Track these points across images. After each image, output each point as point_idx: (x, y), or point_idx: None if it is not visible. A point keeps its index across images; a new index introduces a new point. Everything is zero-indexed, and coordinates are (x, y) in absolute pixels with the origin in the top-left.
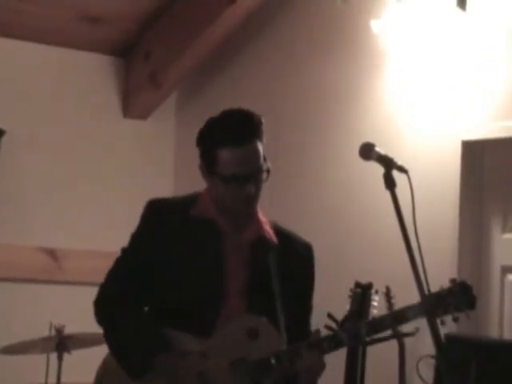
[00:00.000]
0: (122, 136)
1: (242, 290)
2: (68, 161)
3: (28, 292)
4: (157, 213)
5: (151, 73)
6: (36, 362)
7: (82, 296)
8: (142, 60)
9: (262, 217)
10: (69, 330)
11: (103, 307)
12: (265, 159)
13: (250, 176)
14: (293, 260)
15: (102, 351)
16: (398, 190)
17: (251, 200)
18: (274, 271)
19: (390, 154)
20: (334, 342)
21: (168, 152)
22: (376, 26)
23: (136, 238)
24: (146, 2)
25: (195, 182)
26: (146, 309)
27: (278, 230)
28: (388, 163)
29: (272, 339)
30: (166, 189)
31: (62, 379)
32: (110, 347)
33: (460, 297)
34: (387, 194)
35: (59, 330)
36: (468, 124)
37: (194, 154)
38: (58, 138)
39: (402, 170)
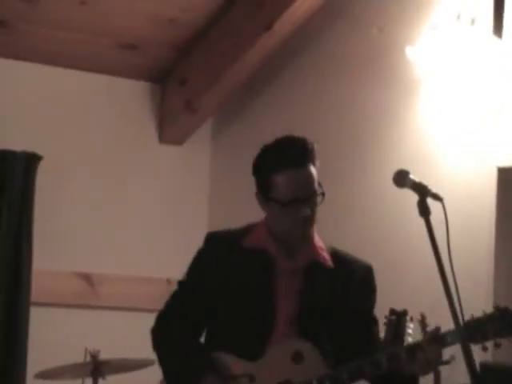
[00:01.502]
0: (157, 161)
1: (293, 317)
2: (104, 186)
3: (63, 317)
4: (212, 245)
5: (187, 99)
6: None
7: (116, 321)
8: (177, 86)
9: (318, 242)
10: (104, 355)
11: (159, 335)
12: (319, 183)
13: (306, 199)
14: (350, 283)
15: (136, 377)
16: (433, 218)
17: (308, 223)
18: (327, 298)
19: (425, 182)
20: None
21: (203, 177)
22: (411, 52)
23: (193, 269)
24: (182, 28)
25: (231, 207)
26: (201, 336)
27: (335, 254)
28: (422, 190)
29: (316, 363)
30: (200, 214)
31: None
32: (163, 372)
33: (501, 322)
34: (421, 221)
35: (94, 356)
36: (504, 150)
37: (229, 180)
38: (94, 163)
39: (436, 197)
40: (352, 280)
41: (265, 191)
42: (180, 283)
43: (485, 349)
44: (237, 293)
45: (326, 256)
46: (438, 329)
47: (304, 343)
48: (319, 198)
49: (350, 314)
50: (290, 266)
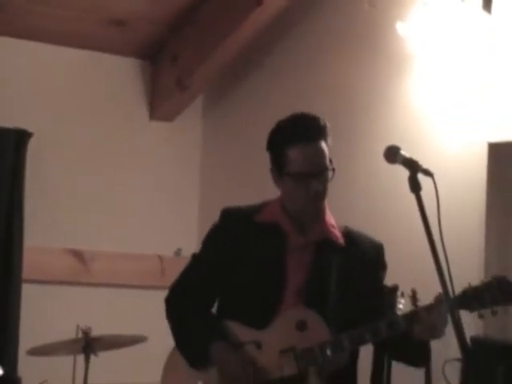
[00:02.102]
0: (148, 138)
1: (301, 289)
2: (95, 163)
3: (55, 294)
4: (226, 221)
5: (178, 76)
6: (63, 364)
7: (108, 298)
8: (168, 63)
9: (330, 219)
10: (95, 332)
11: (173, 304)
12: (330, 160)
13: (318, 173)
14: (359, 261)
15: (128, 353)
16: (424, 193)
17: (319, 197)
18: (335, 272)
19: (416, 157)
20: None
21: (194, 154)
22: (402, 28)
23: (206, 245)
24: (172, 5)
25: (221, 185)
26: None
27: (348, 233)
28: (413, 166)
29: (319, 331)
30: (191, 190)
31: (89, 381)
32: (175, 340)
33: (498, 290)
34: (412, 197)
35: (86, 332)
36: (494, 127)
37: (219, 156)
38: (84, 140)
39: (427, 173)
40: (362, 257)
41: (278, 166)
42: (195, 256)
43: (481, 316)
44: (249, 266)
45: (338, 234)
46: (440, 295)
47: (308, 312)
48: (330, 174)
49: (355, 293)
50: (301, 241)
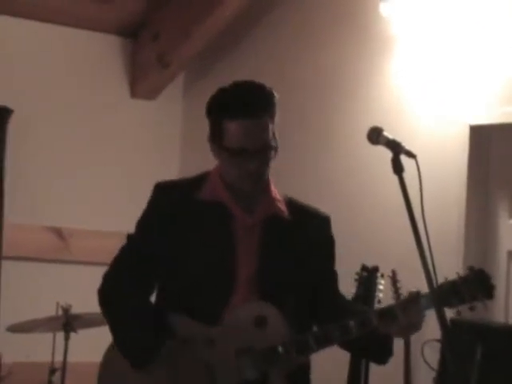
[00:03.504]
0: (129, 116)
1: (253, 277)
2: (75, 140)
3: (35, 271)
4: (164, 196)
5: (159, 53)
6: (42, 341)
7: (88, 276)
8: (150, 40)
9: (276, 194)
10: (75, 309)
11: (108, 297)
12: (274, 136)
13: (257, 151)
14: (308, 234)
15: (107, 331)
16: (406, 175)
17: (257, 176)
18: (287, 253)
19: (399, 139)
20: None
21: (175, 132)
22: (385, 8)
23: (143, 223)
24: None
25: (202, 163)
26: (152, 296)
27: (293, 205)
28: (396, 148)
29: (280, 328)
30: (172, 169)
31: (68, 358)
32: (114, 337)
33: (476, 286)
34: (395, 178)
35: (66, 310)
36: (476, 109)
37: (201, 135)
38: (65, 117)
39: (409, 154)
40: (310, 230)
41: (216, 137)
42: (129, 237)
43: (459, 313)
44: (193, 248)
45: (283, 207)
46: (416, 293)
47: (267, 307)
48: (272, 153)
49: (311, 270)
50: (248, 221)
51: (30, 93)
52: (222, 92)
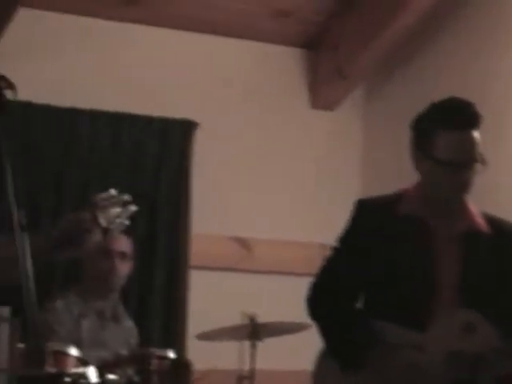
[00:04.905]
0: (309, 127)
1: (455, 288)
2: (258, 151)
3: (221, 280)
4: (366, 213)
5: (339, 64)
6: (228, 349)
7: (273, 285)
8: (329, 52)
9: (474, 208)
10: (260, 318)
11: (316, 305)
12: (481, 152)
13: (467, 164)
14: (509, 249)
15: (293, 340)
16: None
17: (466, 189)
18: (489, 265)
19: None
20: None
21: (355, 143)
22: None
23: (347, 237)
24: None
25: (382, 175)
26: (358, 304)
27: (490, 220)
28: None
29: (488, 334)
30: (353, 181)
31: (256, 366)
32: (325, 342)
33: None
34: None
35: (252, 319)
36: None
37: (381, 146)
38: (247, 129)
39: None
40: (510, 244)
41: (424, 148)
42: (334, 250)
43: None
44: (396, 262)
45: (482, 222)
46: None
47: (474, 314)
48: (480, 167)
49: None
50: (448, 234)
51: (213, 106)
52: (435, 106)
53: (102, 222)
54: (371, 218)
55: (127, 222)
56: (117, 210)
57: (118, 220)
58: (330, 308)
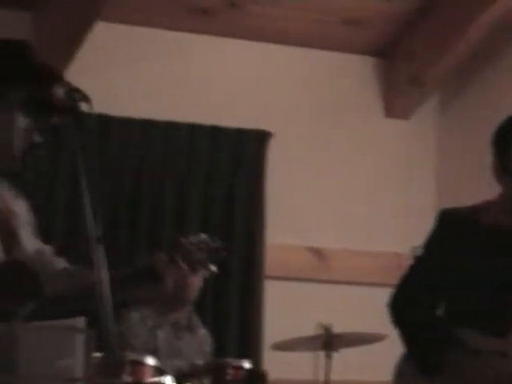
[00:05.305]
0: (384, 135)
1: None
2: (332, 161)
3: (296, 290)
4: (449, 222)
5: (413, 72)
6: (303, 359)
7: (349, 296)
8: (403, 60)
9: None
10: (336, 328)
11: (399, 310)
12: None
13: None
14: None
15: (369, 350)
16: None
17: None
18: None
19: None
20: None
21: (430, 151)
22: None
23: (430, 246)
24: (408, 2)
25: (458, 184)
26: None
27: None
28: None
29: None
30: (428, 190)
31: (331, 377)
32: (406, 346)
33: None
34: None
35: (327, 329)
36: None
37: (457, 155)
38: (321, 138)
39: None
40: None
41: (503, 163)
42: (416, 259)
43: None
44: (478, 272)
45: None
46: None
47: None
48: None
49: None
50: None
51: (287, 116)
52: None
53: (184, 266)
54: (455, 228)
55: (214, 268)
56: (203, 255)
57: (200, 266)
58: (411, 313)
